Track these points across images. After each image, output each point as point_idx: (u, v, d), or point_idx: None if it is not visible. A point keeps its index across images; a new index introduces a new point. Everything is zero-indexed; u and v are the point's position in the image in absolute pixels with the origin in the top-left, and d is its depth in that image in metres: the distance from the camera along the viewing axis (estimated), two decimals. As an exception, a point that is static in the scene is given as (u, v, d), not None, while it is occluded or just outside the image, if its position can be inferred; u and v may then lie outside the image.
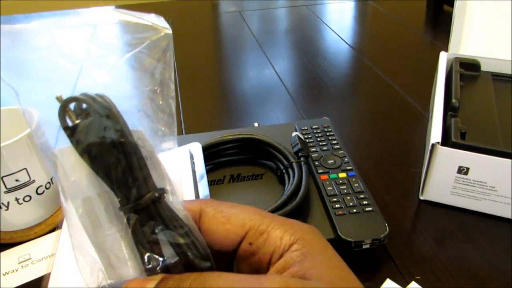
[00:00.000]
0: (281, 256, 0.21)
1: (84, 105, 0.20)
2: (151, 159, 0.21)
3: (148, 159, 0.21)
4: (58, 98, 0.20)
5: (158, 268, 0.21)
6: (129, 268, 0.22)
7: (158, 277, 0.21)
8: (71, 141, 0.20)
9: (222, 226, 0.23)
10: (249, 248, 0.22)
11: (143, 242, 0.21)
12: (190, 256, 0.21)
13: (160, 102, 0.21)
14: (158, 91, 0.21)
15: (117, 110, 0.20)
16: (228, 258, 0.24)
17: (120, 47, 0.20)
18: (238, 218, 0.23)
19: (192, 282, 0.20)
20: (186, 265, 0.22)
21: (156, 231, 0.21)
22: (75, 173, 0.20)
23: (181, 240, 0.21)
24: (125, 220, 0.21)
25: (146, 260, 0.21)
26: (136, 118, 0.21)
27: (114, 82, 0.20)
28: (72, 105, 0.20)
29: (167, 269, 0.21)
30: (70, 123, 0.20)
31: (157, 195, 0.21)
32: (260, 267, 0.22)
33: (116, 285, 0.22)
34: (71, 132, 0.20)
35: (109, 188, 0.21)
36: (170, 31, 0.20)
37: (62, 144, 0.21)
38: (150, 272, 0.22)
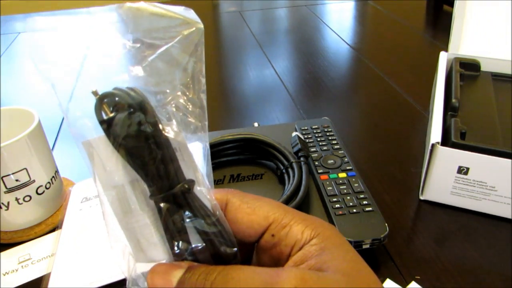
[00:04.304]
0: (300, 249, 0.22)
1: (117, 99, 0.20)
2: (181, 151, 0.22)
3: (178, 151, 0.22)
4: (94, 93, 0.20)
5: (186, 254, 0.22)
6: (159, 251, 0.23)
7: (185, 264, 0.22)
8: (107, 134, 0.21)
9: (247, 217, 0.24)
10: (271, 239, 0.23)
11: (172, 230, 0.22)
12: (216, 243, 0.23)
13: (192, 96, 0.21)
14: (190, 85, 0.21)
15: (149, 104, 0.21)
16: (247, 250, 0.25)
17: (153, 41, 0.20)
18: (262, 210, 0.24)
19: (217, 276, 0.21)
20: (212, 252, 0.23)
21: (185, 219, 0.22)
22: (109, 162, 0.21)
23: (209, 228, 0.22)
24: (155, 208, 0.22)
25: (175, 246, 0.22)
26: (169, 111, 0.21)
27: (147, 76, 0.20)
28: (106, 99, 0.21)
29: (194, 255, 0.23)
30: (105, 117, 0.20)
31: (187, 186, 0.22)
32: (280, 259, 0.23)
33: (145, 274, 0.23)
34: (106, 125, 0.21)
35: (140, 177, 0.22)
36: (202, 26, 0.20)
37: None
38: (178, 257, 0.23)
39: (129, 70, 0.20)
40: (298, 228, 0.23)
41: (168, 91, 0.21)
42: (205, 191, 0.23)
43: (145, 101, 0.21)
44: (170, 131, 0.21)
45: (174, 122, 0.22)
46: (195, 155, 0.23)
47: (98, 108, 0.21)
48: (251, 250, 0.26)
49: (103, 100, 0.20)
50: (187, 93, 0.21)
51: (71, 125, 0.21)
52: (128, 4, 0.20)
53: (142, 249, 0.23)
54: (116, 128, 0.20)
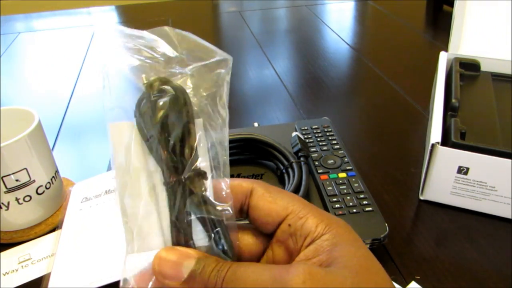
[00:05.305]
0: (311, 242, 0.23)
1: (165, 84, 0.24)
2: (200, 146, 0.24)
3: (199, 146, 0.24)
4: (145, 78, 0.24)
5: (190, 243, 0.24)
6: (159, 240, 0.24)
7: (195, 254, 0.23)
8: (148, 111, 0.24)
9: (268, 205, 0.25)
10: (288, 229, 0.24)
11: (179, 215, 0.23)
12: (216, 239, 0.23)
13: (218, 100, 0.25)
14: (217, 92, 0.25)
15: (188, 97, 0.24)
16: (263, 244, 0.26)
17: (195, 56, 0.25)
18: (283, 200, 0.25)
19: (228, 271, 0.22)
20: (212, 245, 0.24)
21: (194, 207, 0.23)
22: (131, 146, 0.24)
23: (213, 216, 0.24)
24: (163, 196, 0.24)
25: (180, 232, 0.24)
26: (198, 109, 0.25)
27: (187, 79, 0.25)
28: (156, 82, 0.24)
29: (194, 244, 0.24)
30: (152, 96, 0.24)
31: (201, 172, 0.24)
32: (294, 250, 0.24)
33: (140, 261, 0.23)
34: (150, 104, 0.24)
35: (159, 162, 0.24)
36: (231, 57, 0.25)
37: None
38: (179, 241, 0.24)
39: (174, 71, 0.25)
40: (313, 221, 0.24)
41: (203, 94, 0.25)
42: (222, 183, 0.25)
43: (186, 93, 0.24)
44: (197, 125, 0.25)
45: (201, 120, 0.25)
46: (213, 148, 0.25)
47: (148, 88, 0.24)
48: (266, 245, 0.26)
49: (153, 83, 0.24)
50: (215, 99, 0.25)
51: (106, 110, 0.24)
52: (177, 30, 0.25)
53: (141, 236, 0.23)
54: (159, 105, 0.23)
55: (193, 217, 0.23)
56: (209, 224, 0.23)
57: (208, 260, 0.22)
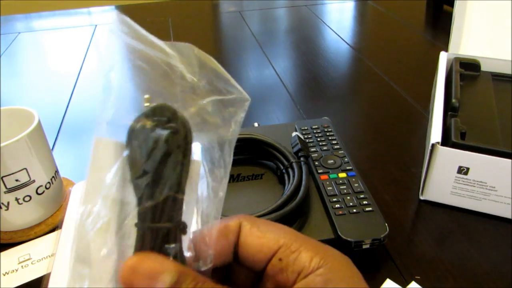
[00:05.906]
0: (305, 278, 0.22)
1: (168, 114, 0.20)
2: (190, 191, 0.21)
3: (187, 191, 0.21)
4: (147, 99, 0.21)
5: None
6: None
7: (172, 266, 0.20)
8: (141, 139, 0.20)
9: (257, 240, 0.23)
10: (278, 264, 0.22)
11: None
12: None
13: (223, 149, 0.23)
14: (225, 138, 0.23)
15: (191, 136, 0.21)
16: (253, 282, 0.24)
17: (210, 89, 0.22)
18: (273, 233, 0.23)
19: None
20: None
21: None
22: (109, 169, 0.21)
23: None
24: (132, 236, 0.20)
25: None
26: (200, 148, 0.22)
27: (197, 112, 0.22)
28: (158, 109, 0.20)
29: None
30: (148, 125, 0.20)
31: (181, 224, 0.21)
32: (286, 287, 0.22)
33: None
34: (145, 132, 0.20)
35: (136, 197, 0.20)
36: (249, 99, 0.23)
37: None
38: None
39: (186, 97, 0.22)
40: (307, 255, 0.22)
41: (212, 132, 0.22)
42: (203, 241, 0.22)
43: (191, 131, 0.21)
44: (193, 168, 0.21)
45: (200, 161, 0.22)
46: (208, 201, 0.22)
47: (149, 113, 0.20)
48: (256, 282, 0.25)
49: (155, 109, 0.20)
50: (223, 143, 0.22)
51: (98, 122, 0.21)
52: (200, 51, 0.22)
53: (91, 279, 0.20)
54: (154, 136, 0.20)
55: None
56: None
57: (186, 277, 0.20)
